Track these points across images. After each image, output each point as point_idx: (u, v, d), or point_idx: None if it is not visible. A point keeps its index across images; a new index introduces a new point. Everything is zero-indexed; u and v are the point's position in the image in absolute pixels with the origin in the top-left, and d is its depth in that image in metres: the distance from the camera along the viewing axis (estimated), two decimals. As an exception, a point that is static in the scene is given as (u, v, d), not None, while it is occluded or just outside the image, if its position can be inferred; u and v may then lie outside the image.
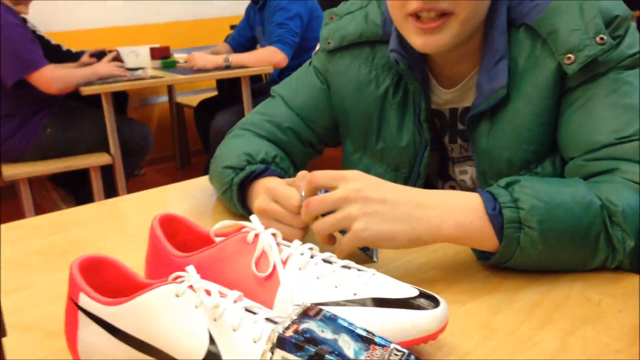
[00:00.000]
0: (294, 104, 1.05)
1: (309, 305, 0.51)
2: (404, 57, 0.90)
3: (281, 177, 0.92)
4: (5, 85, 2.57)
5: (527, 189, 0.69)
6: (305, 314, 0.49)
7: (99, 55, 3.09)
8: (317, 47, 1.07)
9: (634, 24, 0.82)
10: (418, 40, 0.83)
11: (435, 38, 0.81)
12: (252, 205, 0.90)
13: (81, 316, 0.55)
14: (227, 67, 3.04)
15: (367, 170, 1.01)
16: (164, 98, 4.20)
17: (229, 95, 3.55)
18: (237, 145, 0.99)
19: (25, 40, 2.58)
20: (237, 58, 3.06)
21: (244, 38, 3.50)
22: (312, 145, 1.07)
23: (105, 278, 0.58)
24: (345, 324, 0.49)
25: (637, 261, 0.71)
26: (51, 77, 2.60)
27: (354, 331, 0.48)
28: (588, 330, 0.60)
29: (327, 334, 0.47)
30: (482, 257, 0.73)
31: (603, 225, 0.69)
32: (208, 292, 0.51)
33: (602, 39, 0.78)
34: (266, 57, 3.05)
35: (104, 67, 2.87)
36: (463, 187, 1.01)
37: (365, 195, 0.68)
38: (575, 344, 0.58)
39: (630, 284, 0.69)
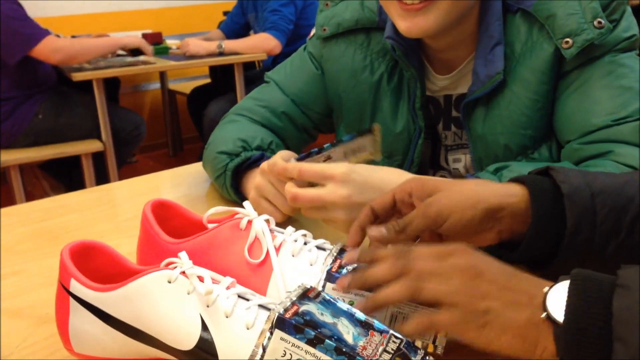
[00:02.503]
0: (288, 90, 1.04)
1: (309, 286, 0.50)
2: (400, 43, 0.89)
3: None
4: (6, 66, 2.53)
5: (514, 173, 0.69)
6: (305, 296, 0.49)
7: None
8: (312, 33, 1.06)
9: (629, 8, 0.82)
10: (403, 24, 0.82)
11: (419, 20, 0.81)
12: (245, 192, 0.90)
13: (72, 302, 0.55)
14: (221, 54, 3.02)
15: None
16: (156, 85, 4.17)
17: (222, 83, 3.52)
18: (232, 130, 0.98)
19: (22, 16, 2.54)
20: (230, 44, 3.04)
21: (237, 24, 3.48)
22: (307, 131, 1.07)
23: (96, 264, 0.57)
24: (345, 308, 0.49)
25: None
26: (54, 47, 2.56)
27: (353, 315, 0.48)
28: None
29: (326, 318, 0.47)
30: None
31: None
32: (201, 279, 0.51)
33: (599, 22, 0.78)
34: (260, 44, 3.02)
35: (129, 38, 2.85)
36: (455, 176, 1.01)
37: (354, 201, 0.68)
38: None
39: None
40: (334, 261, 0.58)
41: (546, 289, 0.45)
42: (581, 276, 0.43)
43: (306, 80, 1.04)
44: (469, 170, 0.98)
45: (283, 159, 0.75)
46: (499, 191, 0.58)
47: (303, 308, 0.47)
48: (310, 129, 1.07)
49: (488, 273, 0.48)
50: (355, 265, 0.56)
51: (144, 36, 3.30)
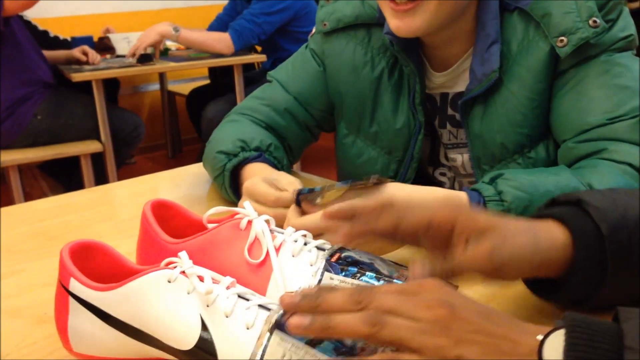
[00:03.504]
0: (291, 88, 1.05)
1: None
2: (398, 39, 0.90)
3: (274, 165, 0.91)
4: (4, 66, 2.51)
5: (510, 181, 0.69)
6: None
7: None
8: (313, 30, 1.07)
9: (626, 8, 0.82)
10: (393, 22, 0.83)
11: (408, 20, 0.82)
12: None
13: (72, 302, 0.54)
14: (176, 30, 2.87)
15: (360, 154, 1.02)
16: (156, 86, 4.16)
17: (221, 84, 3.51)
18: (232, 130, 0.98)
19: None
20: (187, 34, 2.91)
21: (231, 19, 3.38)
22: (309, 129, 1.07)
23: (96, 264, 0.57)
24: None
25: None
26: None
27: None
28: (581, 318, 0.60)
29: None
30: None
31: None
32: (201, 278, 0.51)
33: (595, 21, 0.79)
34: (213, 43, 2.92)
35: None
36: (454, 173, 1.01)
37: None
38: (568, 332, 0.58)
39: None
40: (333, 254, 0.58)
41: (540, 337, 0.39)
42: (580, 328, 0.38)
43: (308, 78, 1.05)
44: (467, 169, 0.98)
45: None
46: (544, 244, 0.52)
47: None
48: (313, 127, 1.07)
49: (463, 312, 0.41)
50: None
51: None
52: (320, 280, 0.55)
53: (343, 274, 0.55)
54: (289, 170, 0.96)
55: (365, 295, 0.43)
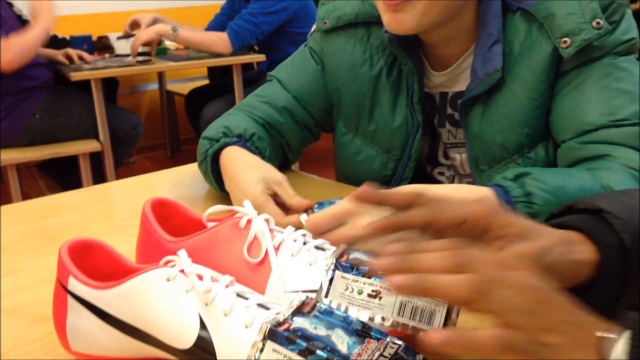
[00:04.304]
0: (290, 86, 1.05)
1: (305, 299, 0.50)
2: (398, 37, 0.90)
3: (254, 153, 0.92)
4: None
5: (538, 182, 0.68)
6: (298, 311, 0.48)
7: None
8: (313, 29, 1.07)
9: (629, 10, 0.82)
10: (385, 18, 0.84)
11: (399, 16, 0.82)
12: (223, 174, 0.91)
13: (70, 300, 0.54)
14: (174, 30, 2.87)
15: (358, 152, 1.02)
16: (154, 86, 4.16)
17: (220, 84, 3.51)
18: (221, 120, 1.00)
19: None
20: (185, 34, 2.90)
21: (229, 18, 3.37)
22: (308, 128, 1.07)
23: (94, 262, 0.57)
24: (341, 318, 0.48)
25: None
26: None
27: (350, 324, 0.48)
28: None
29: (320, 331, 0.46)
30: None
31: None
32: (200, 277, 0.51)
33: (598, 23, 0.79)
34: (211, 42, 2.92)
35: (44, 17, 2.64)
36: (453, 172, 1.01)
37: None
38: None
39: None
40: (341, 255, 0.56)
41: (600, 334, 0.39)
42: None
43: (307, 77, 1.05)
44: (465, 169, 0.98)
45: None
46: (578, 258, 0.51)
47: (294, 325, 0.46)
48: (312, 126, 1.07)
49: (555, 301, 0.42)
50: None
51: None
52: (332, 279, 0.54)
53: (354, 272, 0.54)
54: (273, 162, 0.95)
55: (467, 258, 0.43)
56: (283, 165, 1.08)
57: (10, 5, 2.77)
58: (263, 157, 0.92)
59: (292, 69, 1.07)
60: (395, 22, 0.82)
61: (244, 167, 0.87)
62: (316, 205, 0.75)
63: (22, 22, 2.73)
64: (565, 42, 0.80)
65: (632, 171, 0.73)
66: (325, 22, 1.02)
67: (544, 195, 0.68)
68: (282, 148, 1.05)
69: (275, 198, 0.82)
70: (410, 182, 1.00)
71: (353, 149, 1.03)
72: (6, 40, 2.49)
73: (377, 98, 0.98)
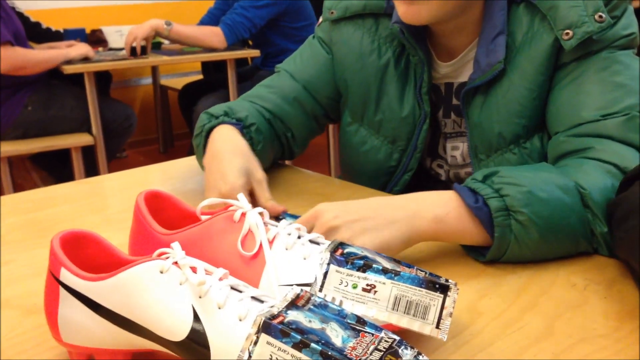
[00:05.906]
0: (300, 77, 1.06)
1: (300, 291, 0.49)
2: (408, 28, 0.91)
3: (243, 135, 0.93)
4: None
5: (506, 178, 0.69)
6: (292, 304, 0.48)
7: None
8: (320, 19, 1.07)
9: (631, 6, 0.83)
10: (401, 9, 0.85)
11: (415, 8, 0.83)
12: (208, 146, 0.91)
13: (62, 292, 0.54)
14: (168, 25, 2.88)
15: (363, 142, 1.02)
16: (148, 80, 4.14)
17: (213, 79, 3.49)
18: (227, 103, 1.01)
19: None
20: (179, 28, 2.91)
21: (222, 12, 3.36)
22: (316, 118, 1.08)
23: (87, 254, 0.57)
24: (336, 312, 0.48)
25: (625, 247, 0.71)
26: (3, 55, 2.47)
27: (344, 318, 0.48)
28: (573, 315, 0.60)
29: (314, 324, 0.46)
30: (478, 254, 0.72)
31: (582, 207, 0.69)
32: (193, 269, 0.50)
33: (600, 16, 0.80)
34: (206, 37, 2.93)
35: (77, 49, 2.76)
36: (452, 165, 1.01)
37: (345, 220, 0.68)
38: (560, 327, 0.58)
39: (614, 271, 0.69)
40: (335, 250, 0.57)
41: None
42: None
43: (317, 66, 1.06)
44: (465, 159, 0.99)
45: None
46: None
47: (289, 318, 0.46)
48: (321, 116, 1.08)
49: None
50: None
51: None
52: (326, 272, 0.55)
53: (348, 266, 0.54)
54: (262, 159, 0.94)
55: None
56: (284, 158, 1.10)
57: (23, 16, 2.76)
58: (254, 150, 0.92)
59: (301, 60, 1.08)
60: (411, 13, 0.83)
61: (233, 150, 0.87)
62: (283, 214, 0.79)
63: (16, 14, 2.71)
64: (567, 33, 0.81)
65: (609, 166, 0.73)
66: (332, 12, 1.03)
67: (513, 188, 0.68)
68: (284, 143, 1.05)
69: (251, 194, 0.82)
70: (414, 173, 1.01)
71: (358, 139, 1.04)
72: (14, 49, 2.51)
73: (384, 88, 0.99)
